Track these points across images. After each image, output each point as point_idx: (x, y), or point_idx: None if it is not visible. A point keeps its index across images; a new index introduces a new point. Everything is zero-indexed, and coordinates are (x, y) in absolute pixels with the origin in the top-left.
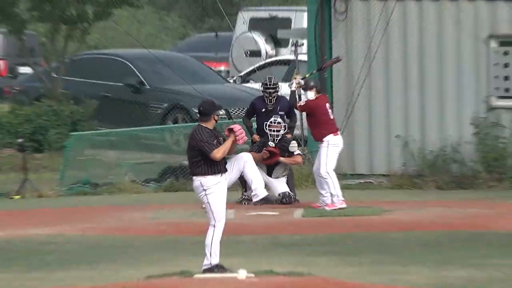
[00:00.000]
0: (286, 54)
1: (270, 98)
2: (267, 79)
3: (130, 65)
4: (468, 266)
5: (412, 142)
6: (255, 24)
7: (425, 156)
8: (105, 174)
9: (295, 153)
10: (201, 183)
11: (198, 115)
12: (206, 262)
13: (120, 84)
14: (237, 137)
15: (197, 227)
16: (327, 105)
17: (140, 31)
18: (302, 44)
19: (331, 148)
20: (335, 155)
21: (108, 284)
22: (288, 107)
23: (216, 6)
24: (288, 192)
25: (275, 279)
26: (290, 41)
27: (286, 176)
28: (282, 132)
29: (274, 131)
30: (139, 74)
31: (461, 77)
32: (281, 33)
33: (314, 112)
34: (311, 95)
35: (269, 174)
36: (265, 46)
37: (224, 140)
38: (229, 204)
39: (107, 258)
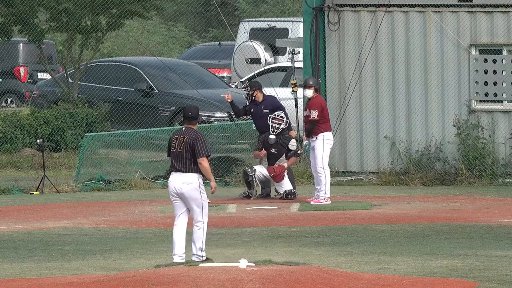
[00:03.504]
0: (283, 61)
1: (248, 97)
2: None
3: (141, 71)
4: (451, 256)
5: (399, 142)
6: (255, 34)
7: (411, 155)
8: (117, 171)
9: (298, 151)
10: (199, 180)
11: (186, 119)
12: (200, 252)
13: (131, 89)
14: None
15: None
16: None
17: (149, 40)
18: (298, 52)
19: (326, 143)
20: (329, 150)
21: (119, 272)
22: (275, 105)
23: (219, 17)
24: (293, 190)
25: (273, 268)
26: (288, 49)
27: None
28: (282, 126)
29: (275, 123)
30: (148, 80)
31: (444, 82)
32: (279, 42)
33: (324, 109)
34: (309, 93)
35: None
36: (264, 54)
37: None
38: (231, 199)
39: (119, 248)
